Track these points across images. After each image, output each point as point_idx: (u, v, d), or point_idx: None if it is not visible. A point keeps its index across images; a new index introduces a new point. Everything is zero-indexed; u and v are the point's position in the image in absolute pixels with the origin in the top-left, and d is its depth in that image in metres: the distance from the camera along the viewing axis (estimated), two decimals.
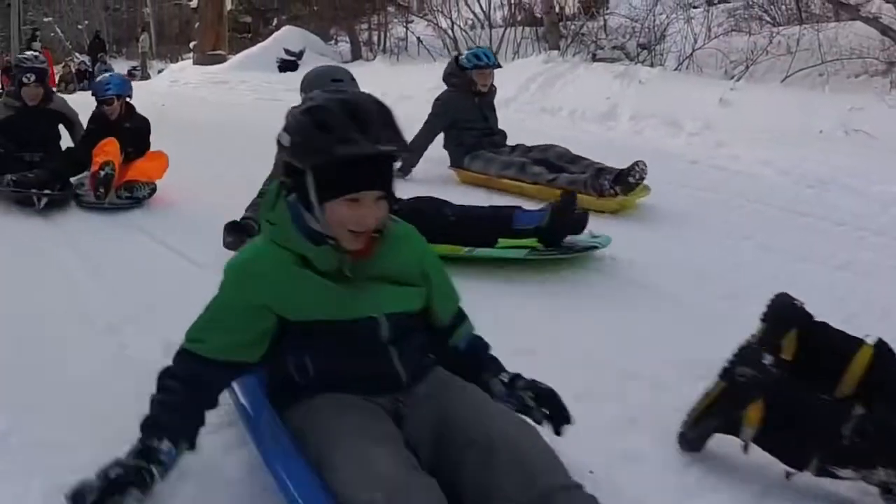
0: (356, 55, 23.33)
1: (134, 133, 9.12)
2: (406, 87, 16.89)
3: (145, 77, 34.04)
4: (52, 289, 5.83)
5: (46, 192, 8.22)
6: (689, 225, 7.25)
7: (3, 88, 21.81)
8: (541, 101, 13.85)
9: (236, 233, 6.00)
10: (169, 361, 3.09)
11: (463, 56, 9.70)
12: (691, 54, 14.98)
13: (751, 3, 17.22)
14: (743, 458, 3.36)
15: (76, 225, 7.89)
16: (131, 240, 7.36)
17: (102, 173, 8.23)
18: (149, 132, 9.37)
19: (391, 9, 23.45)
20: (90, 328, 4.92)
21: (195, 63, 27.82)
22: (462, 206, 6.35)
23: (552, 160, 8.49)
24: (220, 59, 26.55)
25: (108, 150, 8.55)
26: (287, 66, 23.16)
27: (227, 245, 5.92)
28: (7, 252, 6.84)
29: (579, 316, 5.15)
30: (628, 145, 10.51)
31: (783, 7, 16.83)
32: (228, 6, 29.47)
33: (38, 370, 4.23)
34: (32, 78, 8.94)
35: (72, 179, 8.79)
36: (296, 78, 21.14)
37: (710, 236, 6.89)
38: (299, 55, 23.28)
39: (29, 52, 11.73)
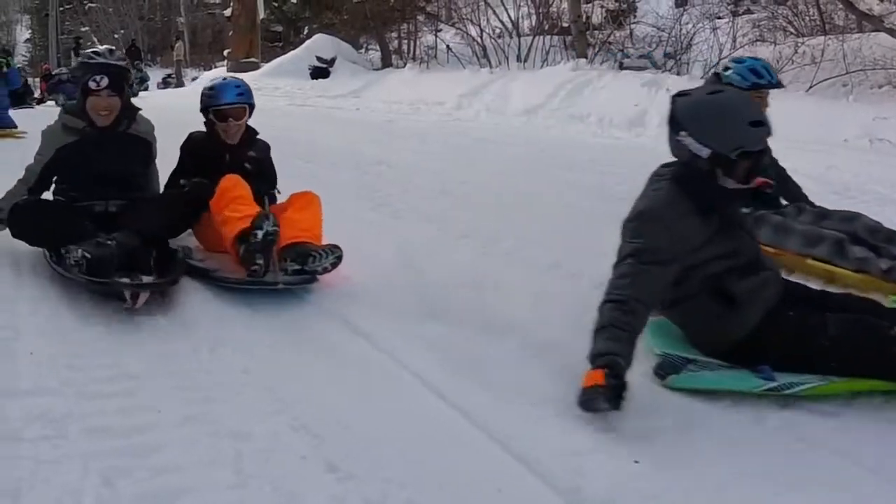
0: (386, 63, 23.40)
1: (259, 165, 6.40)
2: (437, 94, 17.04)
3: (180, 84, 34.23)
4: None
5: (143, 280, 5.17)
6: None
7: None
8: (569, 107, 13.92)
9: None
10: None
11: (731, 70, 6.22)
12: (717, 63, 14.94)
13: (775, 14, 17.19)
14: None
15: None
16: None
17: (260, 234, 5.18)
18: (272, 162, 6.74)
19: (421, 17, 23.45)
20: None
21: (229, 70, 27.90)
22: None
23: (862, 235, 5.75)
24: (254, 67, 26.67)
25: (243, 195, 5.71)
26: (319, 73, 23.28)
27: None
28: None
29: None
30: (658, 151, 10.52)
31: (807, 18, 16.80)
32: (261, 15, 29.54)
33: None
34: (104, 82, 5.71)
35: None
36: (328, 85, 21.43)
37: None
38: (331, 62, 23.38)
39: (102, 46, 8.80)
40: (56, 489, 3.07)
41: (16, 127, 13.78)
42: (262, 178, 6.33)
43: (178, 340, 4.66)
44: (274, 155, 6.96)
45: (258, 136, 6.55)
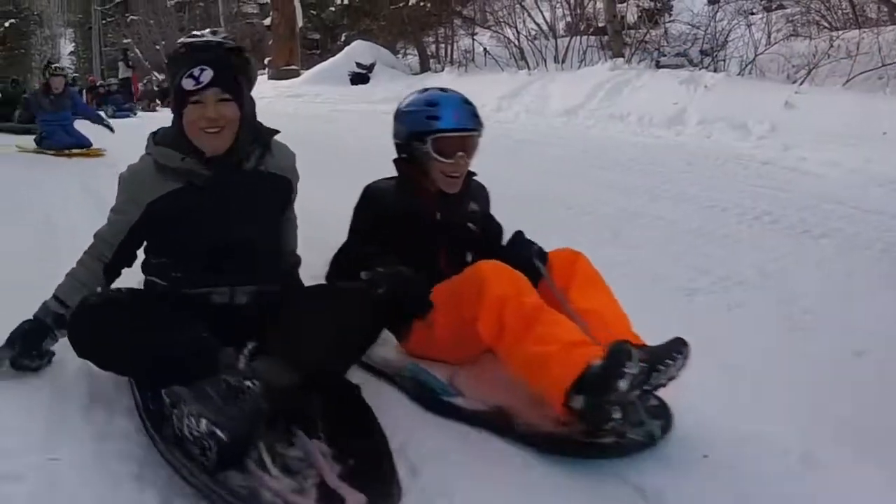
0: (424, 67, 23.43)
1: (485, 223, 4.48)
2: (477, 97, 16.58)
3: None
4: None
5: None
6: (772, 222, 7.17)
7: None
8: (608, 107, 13.87)
9: None
10: None
11: None
12: (754, 59, 14.92)
13: (808, 8, 17.10)
14: None
15: None
16: None
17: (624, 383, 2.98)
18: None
19: (457, 21, 23.47)
20: None
21: (270, 78, 28.04)
22: None
23: None
24: (294, 74, 26.79)
25: (535, 302, 3.41)
26: (359, 78, 23.33)
27: None
28: None
29: None
30: (700, 149, 10.55)
31: (839, 12, 16.72)
32: (300, 23, 29.64)
33: None
34: (206, 76, 3.37)
35: None
36: (368, 90, 21.46)
37: (790, 235, 6.81)
38: (370, 68, 23.42)
39: (205, 31, 6.04)
40: None
41: (90, 145, 13.25)
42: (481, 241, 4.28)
43: None
44: (327, 161, 6.66)
45: (475, 176, 4.39)
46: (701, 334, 4.43)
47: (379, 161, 4.61)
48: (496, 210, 4.72)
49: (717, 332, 4.52)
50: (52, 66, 14.52)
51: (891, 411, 3.59)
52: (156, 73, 40.18)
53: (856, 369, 4.09)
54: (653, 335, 4.08)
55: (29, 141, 13.61)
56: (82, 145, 13.16)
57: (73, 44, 71.29)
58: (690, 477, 3.09)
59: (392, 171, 4.27)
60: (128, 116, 22.49)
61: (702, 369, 3.81)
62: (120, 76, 36.42)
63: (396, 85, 21.13)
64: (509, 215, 7.24)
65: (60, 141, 13.12)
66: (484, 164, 9.04)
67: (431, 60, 23.73)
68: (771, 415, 3.61)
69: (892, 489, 3.04)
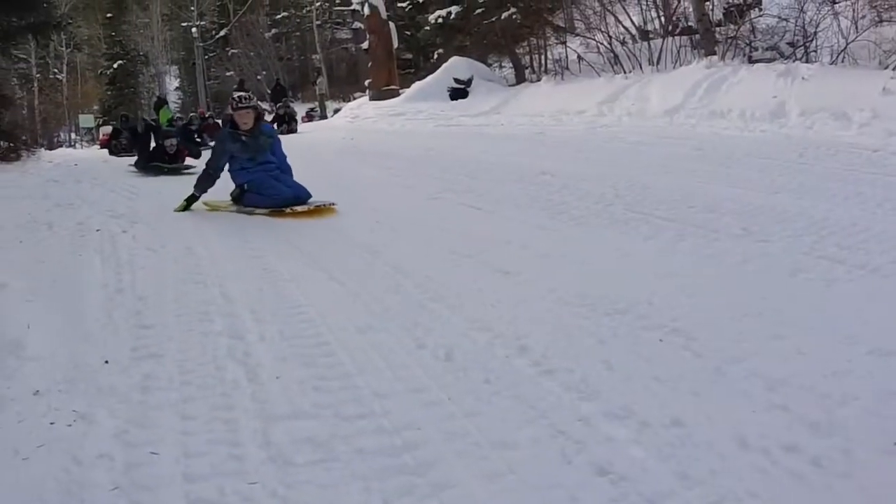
0: (520, 78, 23.55)
1: None
2: (576, 103, 17.20)
3: (324, 116, 34.88)
4: None
5: None
6: (892, 208, 7.19)
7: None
8: (708, 105, 13.95)
9: None
10: None
11: None
12: (845, 48, 14.84)
13: None
14: None
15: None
16: None
17: None
18: None
19: (548, 31, 23.55)
20: None
21: (371, 99, 28.41)
22: None
23: None
24: (394, 94, 27.06)
25: None
26: (457, 93, 23.50)
27: None
28: None
29: None
30: (806, 140, 10.62)
31: None
32: (395, 45, 29.91)
33: None
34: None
35: None
36: (468, 104, 21.66)
37: None
38: (468, 83, 23.59)
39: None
40: None
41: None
42: None
43: (413, 352, 4.71)
44: (443, 172, 7.24)
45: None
46: (845, 322, 4.68)
47: (488, 171, 4.87)
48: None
49: (861, 320, 4.71)
50: (237, 95, 10.75)
51: None
52: (259, 103, 40.83)
53: None
54: (797, 328, 4.34)
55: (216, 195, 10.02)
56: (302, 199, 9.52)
57: (178, 80, 72.40)
58: None
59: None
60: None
61: (851, 359, 4.09)
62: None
63: (495, 97, 21.32)
64: (651, 220, 7.49)
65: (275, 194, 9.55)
66: (612, 168, 9.31)
67: (526, 71, 23.84)
68: None
69: None
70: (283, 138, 17.17)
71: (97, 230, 8.47)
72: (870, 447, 3.39)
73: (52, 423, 3.89)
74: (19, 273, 6.64)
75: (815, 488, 3.17)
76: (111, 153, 25.27)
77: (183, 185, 10.67)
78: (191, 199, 9.75)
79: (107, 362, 4.64)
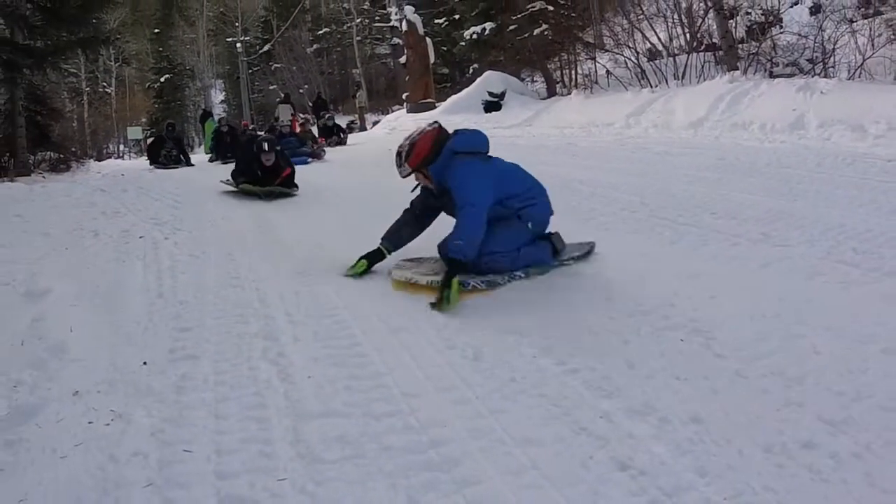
0: (551, 91, 23.58)
1: None
2: (605, 116, 17.22)
3: (363, 128, 34.97)
4: None
5: None
6: None
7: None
8: (731, 117, 13.93)
9: None
10: None
11: None
12: (861, 64, 14.80)
13: None
14: None
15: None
16: None
17: None
18: None
19: (579, 46, 23.54)
20: None
21: (409, 112, 28.52)
22: None
23: None
24: (431, 107, 27.14)
25: None
26: (491, 106, 23.54)
27: None
28: None
29: None
30: (824, 151, 10.58)
31: None
32: (432, 59, 29.98)
33: None
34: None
35: None
36: (501, 116, 21.67)
37: None
38: (501, 96, 23.62)
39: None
40: None
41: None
42: None
43: (444, 351, 4.71)
44: None
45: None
46: (860, 323, 4.63)
47: None
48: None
49: (876, 321, 4.67)
50: None
51: None
52: (300, 114, 40.92)
53: None
54: (814, 328, 4.31)
55: None
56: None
57: (223, 93, 72.83)
58: None
59: None
60: (306, 162, 17.26)
61: (867, 358, 4.05)
62: (281, 118, 37.16)
63: (527, 110, 21.33)
64: (674, 226, 7.45)
65: None
66: (638, 177, 9.27)
67: (557, 85, 23.83)
68: None
69: None
70: (334, 150, 16.83)
71: (140, 237, 8.49)
72: (884, 443, 3.38)
73: (90, 423, 3.92)
74: (65, 278, 6.68)
75: (830, 483, 3.16)
76: (155, 164, 21.35)
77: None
78: (374, 257, 6.61)
79: (145, 363, 4.67)
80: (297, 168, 12.76)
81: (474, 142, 6.46)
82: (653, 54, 21.19)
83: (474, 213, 5.95)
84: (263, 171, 11.82)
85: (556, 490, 3.20)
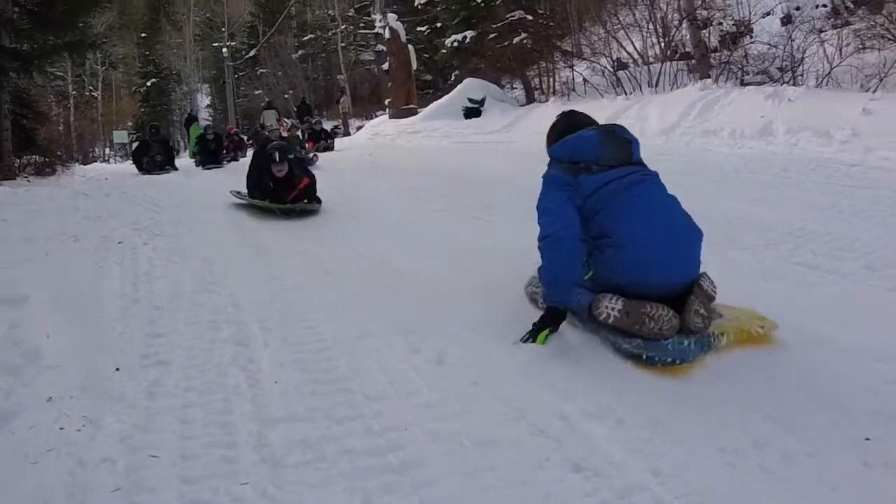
0: (530, 99, 23.58)
1: None
2: None
3: (346, 133, 34.95)
4: None
5: None
6: (867, 218, 7.24)
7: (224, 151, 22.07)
8: (702, 124, 13.98)
9: None
10: None
11: None
12: (829, 72, 14.88)
13: (874, 23, 16.97)
14: None
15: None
16: None
17: None
18: None
19: (557, 55, 23.59)
20: None
21: (391, 117, 28.47)
22: None
23: None
24: (412, 113, 27.12)
25: None
26: (471, 112, 23.51)
27: None
28: None
29: None
30: (790, 156, 10.65)
31: None
32: (414, 66, 30.00)
33: None
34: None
35: None
36: (481, 122, 21.68)
37: (888, 229, 6.84)
38: (481, 102, 23.60)
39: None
40: None
41: None
42: None
43: (409, 356, 4.71)
44: (455, 185, 7.23)
45: None
46: (818, 323, 4.68)
47: (500, 186, 4.87)
48: None
49: (832, 321, 4.72)
50: None
51: None
52: (285, 119, 40.85)
53: None
54: (779, 330, 4.35)
55: None
56: None
57: (209, 97, 72.65)
58: None
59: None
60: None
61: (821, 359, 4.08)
62: (266, 123, 37.12)
63: (506, 117, 21.37)
64: None
65: None
66: None
67: (536, 92, 23.86)
68: None
69: None
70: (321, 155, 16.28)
71: (120, 242, 8.54)
72: (834, 442, 3.44)
73: (62, 429, 3.94)
74: (44, 284, 6.70)
75: (780, 480, 3.21)
76: (141, 170, 19.84)
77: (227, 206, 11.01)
78: (553, 319, 4.74)
79: (118, 370, 4.69)
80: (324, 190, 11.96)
81: (572, 147, 5.08)
82: (622, 64, 21.21)
83: (547, 246, 4.73)
84: (276, 183, 10.38)
85: (511, 491, 3.23)
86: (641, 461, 3.38)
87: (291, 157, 10.67)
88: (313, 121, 25.52)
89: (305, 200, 10.45)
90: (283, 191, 10.34)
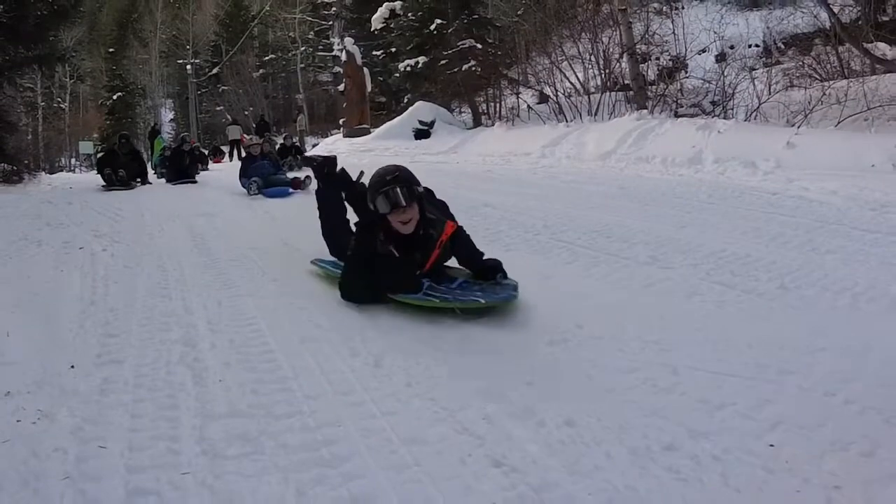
0: (477, 122, 23.72)
1: None
2: (523, 146, 17.41)
3: (302, 150, 34.88)
4: None
5: None
6: (784, 243, 7.36)
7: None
8: (636, 151, 14.16)
9: None
10: None
11: None
12: (758, 107, 15.14)
13: (802, 63, 17.29)
14: None
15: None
16: None
17: None
18: None
19: (504, 83, 23.74)
20: None
21: (345, 136, 28.56)
22: None
23: None
24: (365, 132, 27.23)
25: None
26: (421, 134, 23.65)
27: None
28: None
29: None
30: (717, 184, 10.82)
31: (828, 66, 16.86)
32: (369, 88, 30.08)
33: None
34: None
35: None
36: (429, 143, 21.77)
37: (802, 253, 6.97)
38: (431, 125, 23.73)
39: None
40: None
41: None
42: None
43: (348, 359, 4.79)
44: None
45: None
46: (737, 339, 4.78)
47: None
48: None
49: (744, 336, 4.81)
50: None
51: None
52: (245, 135, 40.63)
53: None
54: (687, 343, 4.45)
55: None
56: None
57: (173, 112, 72.21)
58: None
59: None
60: (286, 193, 13.88)
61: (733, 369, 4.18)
62: (230, 138, 37.06)
63: (454, 138, 21.48)
64: (572, 248, 7.61)
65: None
66: (545, 203, 9.42)
67: (483, 117, 24.00)
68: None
69: None
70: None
71: (80, 248, 8.58)
72: (742, 448, 3.49)
73: (18, 421, 3.96)
74: (6, 286, 6.80)
75: (689, 482, 3.27)
76: (108, 182, 17.40)
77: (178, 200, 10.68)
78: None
79: (73, 367, 4.72)
80: (277, 201, 12.61)
81: None
82: (544, 100, 21.44)
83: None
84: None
85: (433, 484, 3.28)
86: (558, 460, 3.44)
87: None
88: (284, 135, 25.33)
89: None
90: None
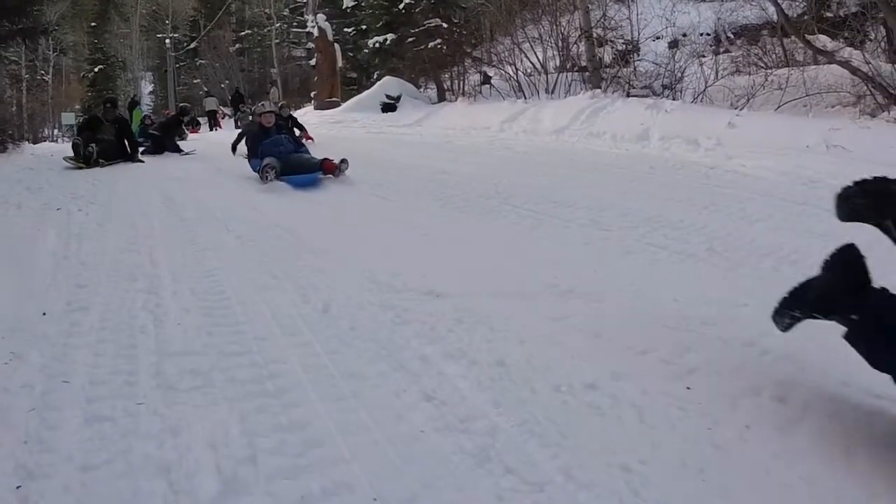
0: (441, 98, 23.63)
1: None
2: (484, 120, 17.38)
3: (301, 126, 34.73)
4: None
5: None
6: (716, 211, 7.50)
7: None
8: (589, 127, 14.18)
9: None
10: None
11: None
12: (704, 90, 15.20)
13: (748, 52, 17.40)
14: None
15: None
16: None
17: None
18: None
19: (468, 61, 23.69)
20: None
21: (315, 108, 28.40)
22: None
23: None
24: (335, 105, 27.05)
25: None
26: (388, 107, 23.54)
27: None
28: None
29: None
30: (660, 158, 10.93)
31: (773, 56, 16.95)
32: (339, 64, 29.94)
33: None
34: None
35: None
36: (395, 116, 21.78)
37: (732, 220, 7.12)
38: (397, 99, 23.65)
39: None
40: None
41: None
42: None
43: (299, 305, 4.93)
44: (364, 169, 7.56)
45: None
46: (665, 294, 4.90)
47: (402, 170, 5.05)
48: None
49: (676, 293, 4.93)
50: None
51: None
52: (221, 107, 40.36)
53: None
54: (619, 294, 4.54)
55: None
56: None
57: (152, 84, 71.49)
58: None
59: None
60: (313, 182, 10.08)
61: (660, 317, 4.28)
62: (207, 109, 36.81)
63: (418, 112, 21.44)
64: (519, 211, 7.70)
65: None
66: (498, 171, 9.50)
67: (447, 92, 23.96)
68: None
69: None
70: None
71: (58, 209, 8.68)
72: (660, 389, 3.59)
73: None
74: None
75: (606, 417, 3.38)
76: (80, 159, 13.08)
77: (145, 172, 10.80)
78: None
79: (44, 314, 4.85)
80: (300, 189, 9.79)
81: None
82: (487, 81, 21.50)
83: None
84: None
85: (367, 413, 3.39)
86: (485, 395, 3.55)
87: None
88: (279, 106, 24.69)
89: None
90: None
